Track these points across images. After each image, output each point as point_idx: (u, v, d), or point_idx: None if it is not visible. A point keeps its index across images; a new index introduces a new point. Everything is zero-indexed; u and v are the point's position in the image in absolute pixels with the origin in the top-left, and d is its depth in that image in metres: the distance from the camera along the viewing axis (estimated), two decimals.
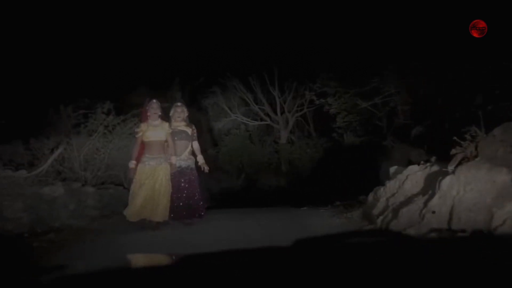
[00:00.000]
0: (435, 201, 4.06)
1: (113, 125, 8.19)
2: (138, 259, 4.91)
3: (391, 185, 5.07)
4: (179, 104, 6.56)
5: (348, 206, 6.55)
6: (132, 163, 5.98)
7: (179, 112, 6.44)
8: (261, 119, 15.34)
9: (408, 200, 4.51)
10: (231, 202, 11.25)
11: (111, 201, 7.37)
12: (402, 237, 4.02)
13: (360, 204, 6.09)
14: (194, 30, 14.11)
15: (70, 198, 6.65)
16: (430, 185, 4.38)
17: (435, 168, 4.65)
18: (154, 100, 6.14)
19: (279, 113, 15.09)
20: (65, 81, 8.37)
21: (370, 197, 5.46)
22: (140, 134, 6.05)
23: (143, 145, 6.10)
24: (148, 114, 6.10)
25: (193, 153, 6.51)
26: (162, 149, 6.12)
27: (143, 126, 6.09)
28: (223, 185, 14.20)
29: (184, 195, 6.22)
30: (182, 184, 6.24)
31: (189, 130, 6.43)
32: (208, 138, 15.27)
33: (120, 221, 6.26)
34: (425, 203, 4.18)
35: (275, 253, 3.56)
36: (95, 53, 10.85)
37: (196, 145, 6.48)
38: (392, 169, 5.47)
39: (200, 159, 6.42)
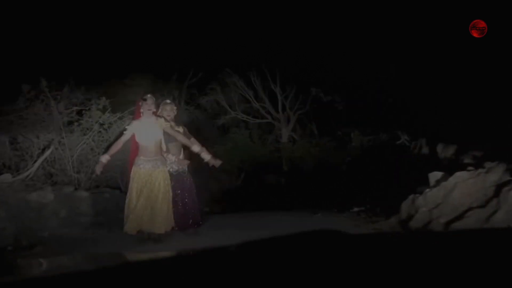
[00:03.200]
0: (500, 215, 3.29)
1: (109, 123, 7.31)
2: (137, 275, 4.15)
3: (433, 194, 4.27)
4: (168, 101, 5.73)
5: (371, 214, 5.75)
6: (104, 158, 5.17)
7: (169, 110, 5.59)
8: (262, 117, 14.53)
9: (462, 214, 3.72)
10: (233, 204, 10.49)
11: (107, 206, 6.52)
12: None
13: (387, 212, 5.29)
14: (192, 25, 13.29)
15: (61, 204, 5.86)
16: (490, 196, 3.59)
17: (494, 175, 3.87)
18: (149, 95, 5.27)
19: (280, 111, 14.29)
20: (58, 73, 7.48)
21: (404, 206, 4.66)
22: (129, 131, 5.20)
23: (137, 146, 5.27)
24: (141, 110, 5.24)
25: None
26: (159, 150, 5.30)
27: (135, 124, 5.23)
28: (223, 185, 13.44)
29: (181, 202, 5.49)
30: (179, 191, 5.49)
31: (180, 130, 5.67)
32: (208, 136, 14.46)
33: (117, 229, 5.45)
34: (487, 218, 3.39)
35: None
36: (89, 45, 10.01)
37: (194, 140, 5.62)
38: (434, 175, 4.63)
39: (205, 155, 5.38)
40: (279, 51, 12.48)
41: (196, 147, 5.32)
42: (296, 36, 12.02)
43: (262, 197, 11.66)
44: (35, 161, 6.15)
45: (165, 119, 5.42)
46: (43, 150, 6.71)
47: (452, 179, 4.18)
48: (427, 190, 4.42)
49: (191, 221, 5.54)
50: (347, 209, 6.81)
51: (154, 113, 5.35)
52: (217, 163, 5.39)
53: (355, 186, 8.80)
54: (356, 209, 6.60)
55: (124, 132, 5.29)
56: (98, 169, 5.25)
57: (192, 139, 5.59)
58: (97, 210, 6.31)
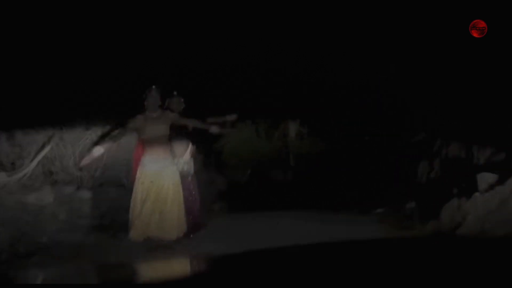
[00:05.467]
0: None
1: None
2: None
3: (486, 200, 3.65)
4: (175, 93, 5.18)
5: (401, 218, 5.14)
6: (96, 150, 4.48)
7: (176, 103, 5.07)
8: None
9: None
10: (242, 202, 9.89)
11: (111, 207, 5.93)
12: None
13: (421, 217, 4.69)
14: (195, 21, 12.69)
15: (62, 206, 5.31)
16: None
17: None
18: (154, 87, 4.65)
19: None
20: (57, 62, 6.89)
21: (447, 211, 4.05)
22: (131, 125, 4.57)
23: (142, 144, 4.66)
24: (146, 103, 4.60)
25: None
26: (167, 148, 4.67)
27: (139, 119, 4.58)
28: (228, 181, 12.91)
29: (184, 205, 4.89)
30: (183, 194, 4.90)
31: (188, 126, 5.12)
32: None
33: (122, 234, 4.87)
34: None
35: None
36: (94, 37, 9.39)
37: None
38: (484, 178, 3.96)
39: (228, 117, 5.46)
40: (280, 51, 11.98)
41: (215, 129, 4.85)
42: (299, 36, 11.54)
43: (271, 195, 11.12)
44: (33, 159, 5.52)
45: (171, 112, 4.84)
46: (43, 146, 6.12)
47: (510, 182, 3.57)
48: (477, 194, 3.80)
49: (194, 225, 5.05)
50: (368, 210, 6.21)
51: (160, 107, 4.74)
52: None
53: (371, 184, 8.20)
54: (379, 210, 6.00)
55: (126, 125, 4.63)
56: (85, 161, 4.61)
57: (207, 123, 5.11)
58: (101, 212, 5.75)
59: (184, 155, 5.12)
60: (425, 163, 6.69)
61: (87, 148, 6.41)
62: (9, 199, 4.84)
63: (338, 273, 2.63)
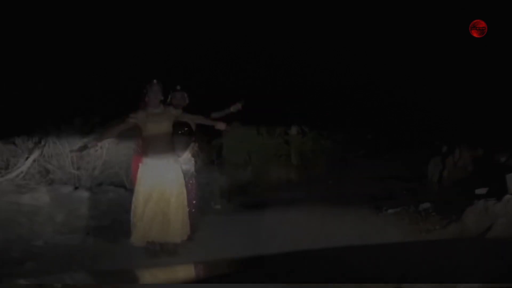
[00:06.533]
0: None
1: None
2: None
3: None
4: (178, 88, 4.81)
5: (417, 219, 4.84)
6: (91, 143, 4.29)
7: (179, 98, 4.71)
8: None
9: None
10: (242, 200, 9.60)
11: (111, 207, 5.65)
12: None
13: (440, 218, 4.39)
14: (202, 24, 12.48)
15: (58, 207, 5.03)
16: None
17: None
18: (155, 81, 4.29)
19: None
20: (55, 55, 6.59)
21: (472, 213, 3.76)
22: (132, 120, 4.24)
23: (143, 142, 4.34)
24: (146, 99, 4.26)
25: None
26: (171, 145, 4.33)
27: (140, 114, 4.25)
28: (228, 179, 12.62)
29: None
30: None
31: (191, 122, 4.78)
32: (212, 128, 13.58)
33: (122, 236, 4.55)
34: None
35: None
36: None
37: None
38: None
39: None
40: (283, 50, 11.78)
41: (221, 125, 4.55)
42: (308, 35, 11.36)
43: (274, 192, 10.84)
44: (28, 157, 5.20)
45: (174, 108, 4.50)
46: (38, 144, 5.81)
47: None
48: (509, 196, 3.51)
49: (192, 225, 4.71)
50: (379, 210, 5.91)
51: (162, 102, 4.40)
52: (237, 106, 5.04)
53: (379, 182, 7.92)
54: (391, 210, 5.69)
55: (126, 119, 4.29)
56: (77, 149, 4.48)
57: (212, 119, 4.77)
58: (100, 213, 5.46)
59: (184, 153, 4.81)
60: (436, 160, 6.38)
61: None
62: (2, 199, 4.54)
63: (353, 279, 2.29)
